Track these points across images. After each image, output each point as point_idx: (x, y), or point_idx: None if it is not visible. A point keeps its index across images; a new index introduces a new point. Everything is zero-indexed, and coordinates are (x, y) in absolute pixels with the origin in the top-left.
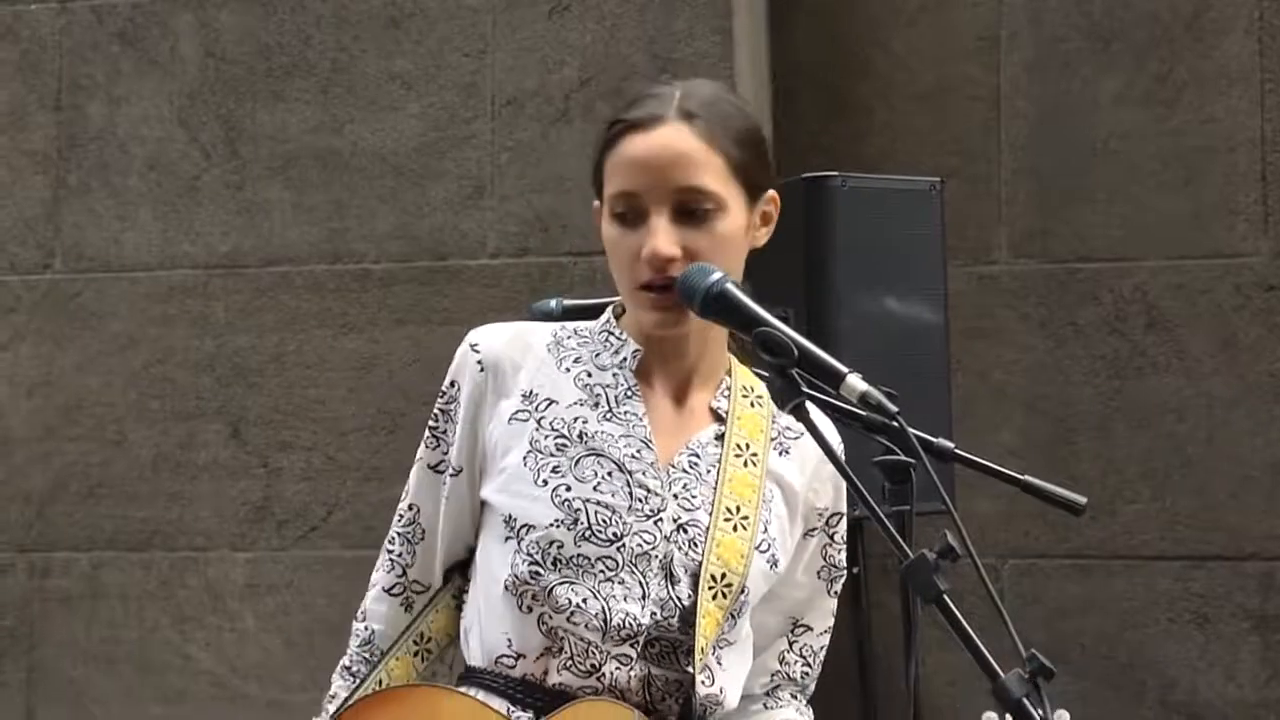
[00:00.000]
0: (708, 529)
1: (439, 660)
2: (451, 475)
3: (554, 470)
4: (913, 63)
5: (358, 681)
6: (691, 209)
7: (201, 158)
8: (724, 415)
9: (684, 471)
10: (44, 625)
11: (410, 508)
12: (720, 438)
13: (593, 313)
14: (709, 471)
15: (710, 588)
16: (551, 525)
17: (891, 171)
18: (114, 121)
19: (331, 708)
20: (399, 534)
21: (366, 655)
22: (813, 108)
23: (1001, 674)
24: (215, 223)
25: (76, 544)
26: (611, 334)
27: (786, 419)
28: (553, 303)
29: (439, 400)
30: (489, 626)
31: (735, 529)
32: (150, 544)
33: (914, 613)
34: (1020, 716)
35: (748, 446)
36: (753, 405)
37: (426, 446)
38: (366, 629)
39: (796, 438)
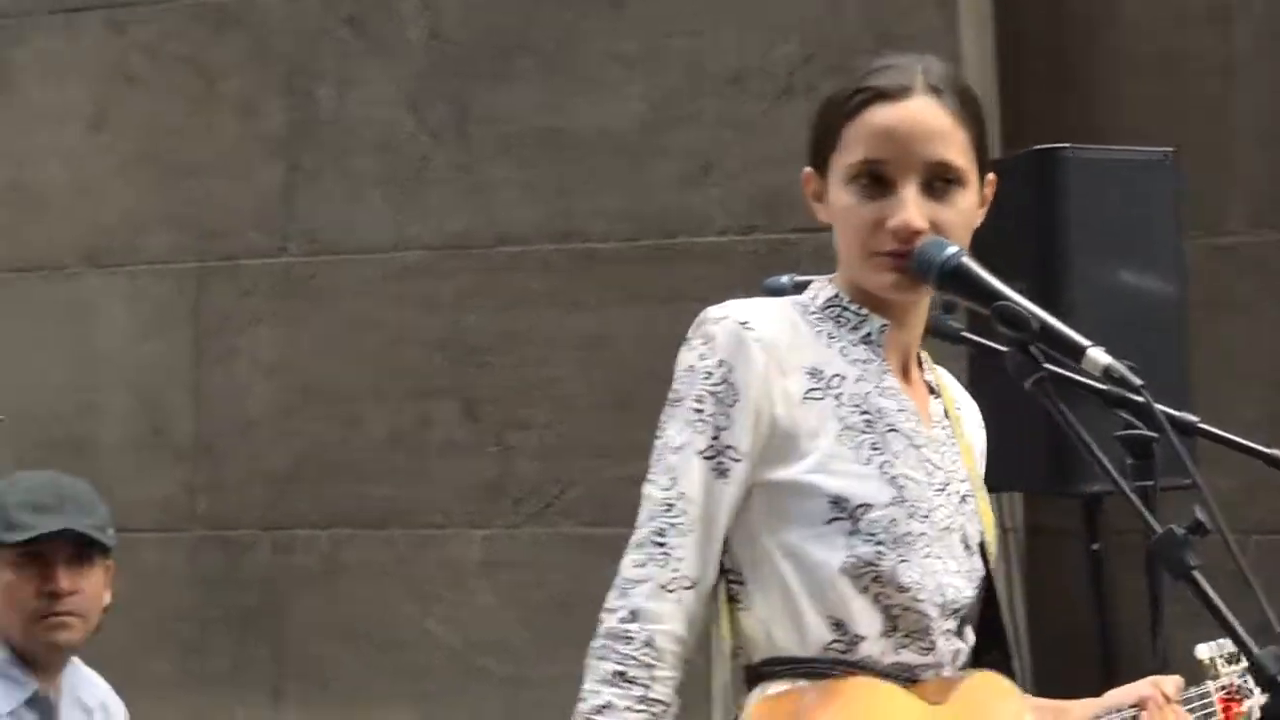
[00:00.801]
0: (975, 498)
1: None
2: (734, 461)
3: (873, 447)
4: (1142, 32)
5: (638, 690)
6: (938, 183)
7: (429, 140)
8: (935, 387)
9: (943, 443)
10: (288, 602)
11: (680, 497)
12: (945, 410)
13: None
14: (954, 442)
15: (991, 556)
16: (890, 504)
17: (1120, 143)
18: (343, 106)
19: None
20: (671, 525)
21: (648, 660)
22: (1039, 80)
23: (1256, 649)
24: (444, 204)
25: (316, 522)
26: (846, 309)
27: (955, 389)
28: (785, 279)
29: (702, 382)
30: (808, 613)
31: (983, 497)
32: (388, 522)
33: (1159, 589)
34: (1276, 691)
35: (958, 418)
36: (940, 377)
37: (694, 431)
38: (643, 630)
39: (959, 407)
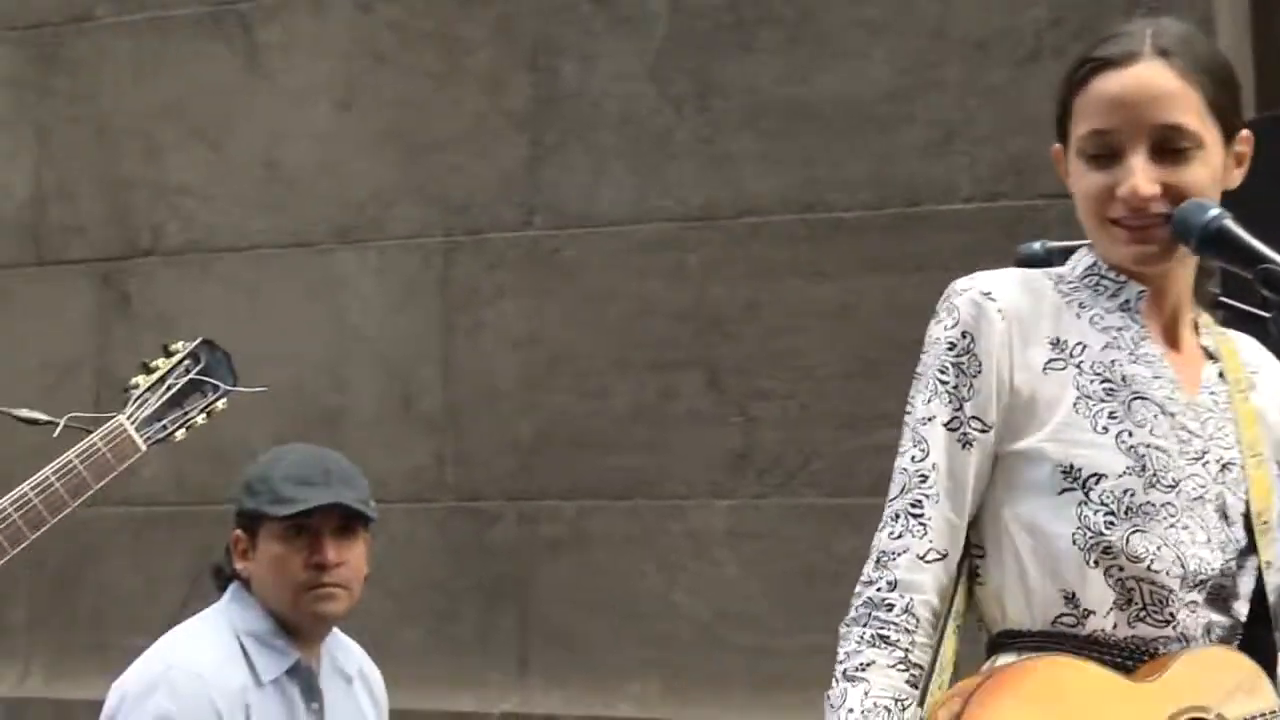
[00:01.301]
0: (1243, 467)
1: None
2: (980, 432)
3: (1110, 416)
4: None
5: (899, 653)
6: (1169, 147)
7: (673, 112)
8: (1213, 352)
9: (1209, 410)
10: (534, 572)
11: (932, 468)
12: (1221, 375)
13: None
14: (1225, 409)
15: (1263, 526)
16: (1125, 473)
17: None
18: (587, 80)
19: (874, 677)
20: (925, 497)
21: (908, 626)
22: None
23: None
24: (688, 176)
25: (562, 493)
26: (1104, 277)
27: (1250, 354)
28: (1037, 245)
29: (945, 353)
30: (1038, 585)
31: (1259, 465)
32: (633, 492)
33: None
34: None
35: (1239, 382)
36: (1226, 342)
37: (940, 403)
38: (902, 598)
39: (1255, 372)
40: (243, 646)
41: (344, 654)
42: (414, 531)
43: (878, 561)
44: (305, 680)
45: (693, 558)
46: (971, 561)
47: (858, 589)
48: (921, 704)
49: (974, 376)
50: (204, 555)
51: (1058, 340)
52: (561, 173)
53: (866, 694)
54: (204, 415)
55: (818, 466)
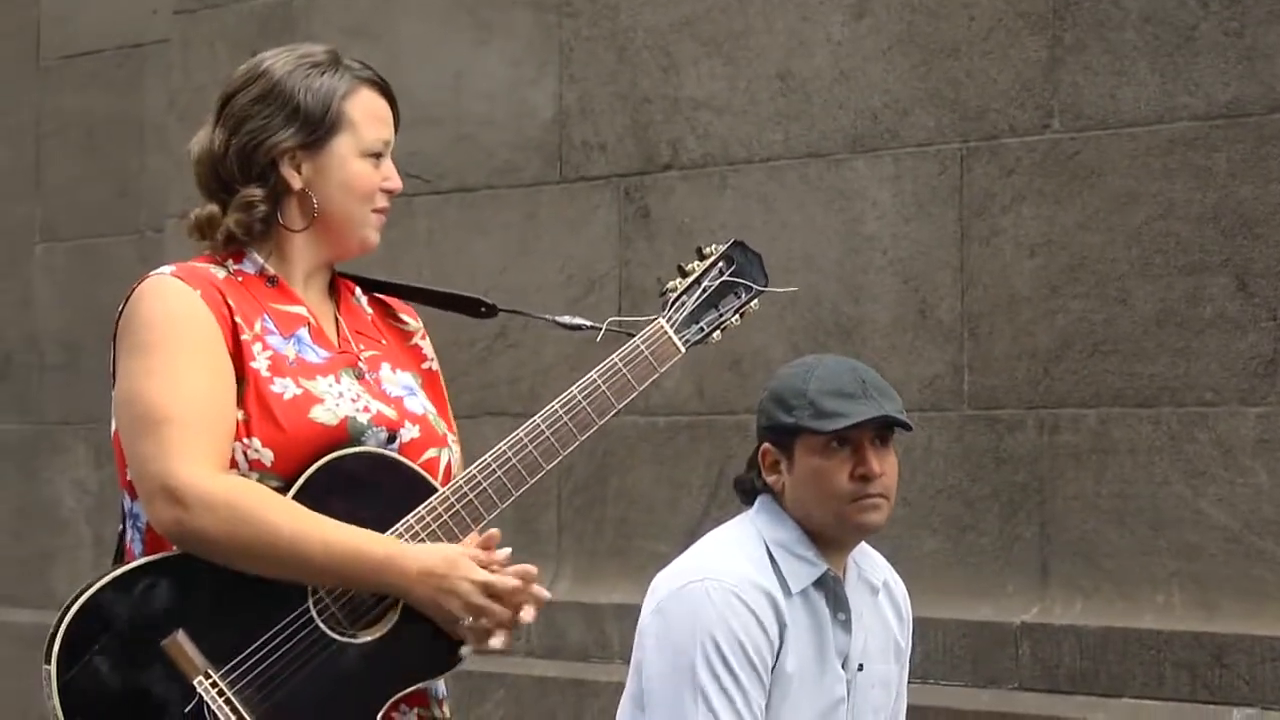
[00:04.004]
0: None
1: None
2: None
3: None
4: None
5: None
6: None
7: (1198, 6)
8: None
9: None
10: (1054, 481)
11: None
12: None
13: None
14: None
15: None
16: None
17: None
18: None
19: None
20: None
21: None
22: None
23: None
24: (1214, 72)
25: (1084, 401)
26: None
27: None
28: None
29: None
30: None
31: None
32: (1158, 400)
33: None
34: None
35: None
36: None
37: None
38: None
39: None
40: (772, 557)
41: (869, 564)
42: (931, 440)
43: None
44: (832, 591)
45: (1221, 466)
46: None
47: None
48: None
49: None
50: (722, 465)
51: None
52: (1081, 73)
53: None
54: (738, 316)
55: None
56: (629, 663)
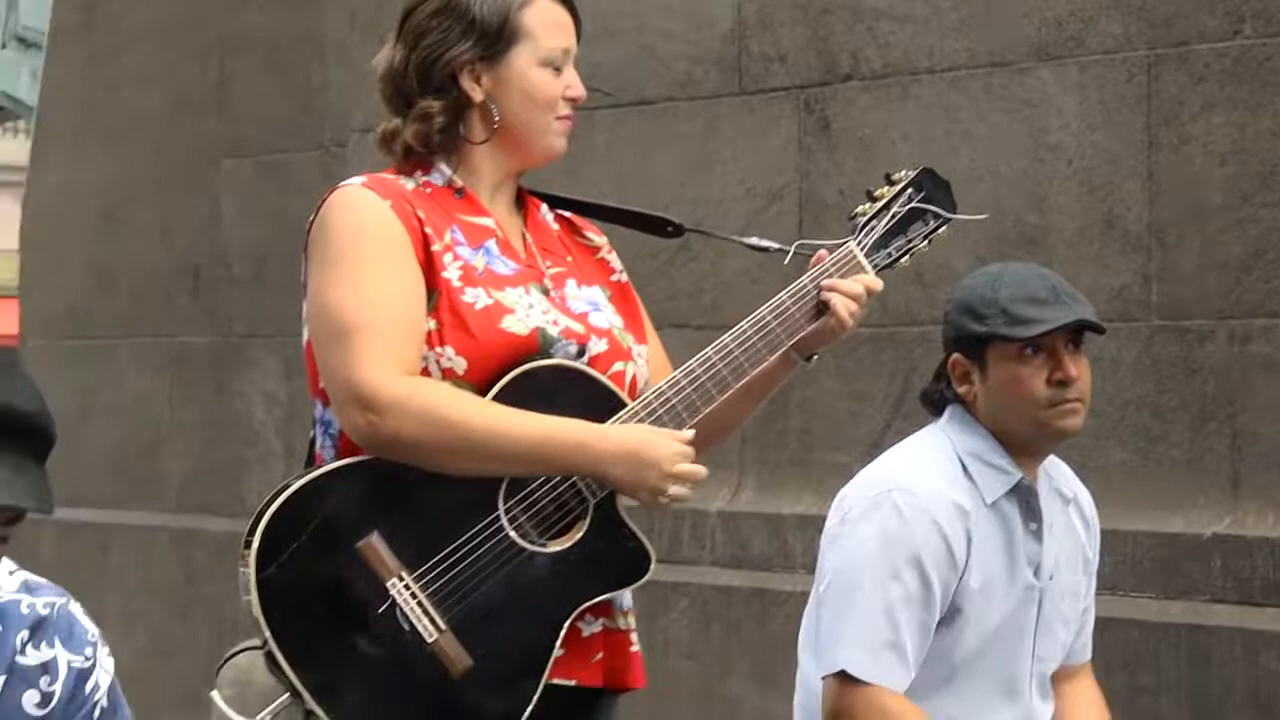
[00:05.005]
0: None
1: None
2: None
3: None
4: None
5: None
6: None
7: None
8: None
9: None
10: (1245, 391)
11: None
12: None
13: None
14: None
15: None
16: None
17: None
18: None
19: None
20: None
21: None
22: None
23: None
24: None
25: (1275, 310)
26: None
27: None
28: None
29: None
30: None
31: None
32: None
33: None
34: None
35: None
36: None
37: None
38: None
39: None
40: (965, 467)
41: (1060, 475)
42: (1119, 351)
43: None
44: (1025, 500)
45: None
46: None
47: None
48: None
49: None
50: (906, 376)
51: None
52: None
53: None
54: (926, 243)
55: None
56: (811, 573)
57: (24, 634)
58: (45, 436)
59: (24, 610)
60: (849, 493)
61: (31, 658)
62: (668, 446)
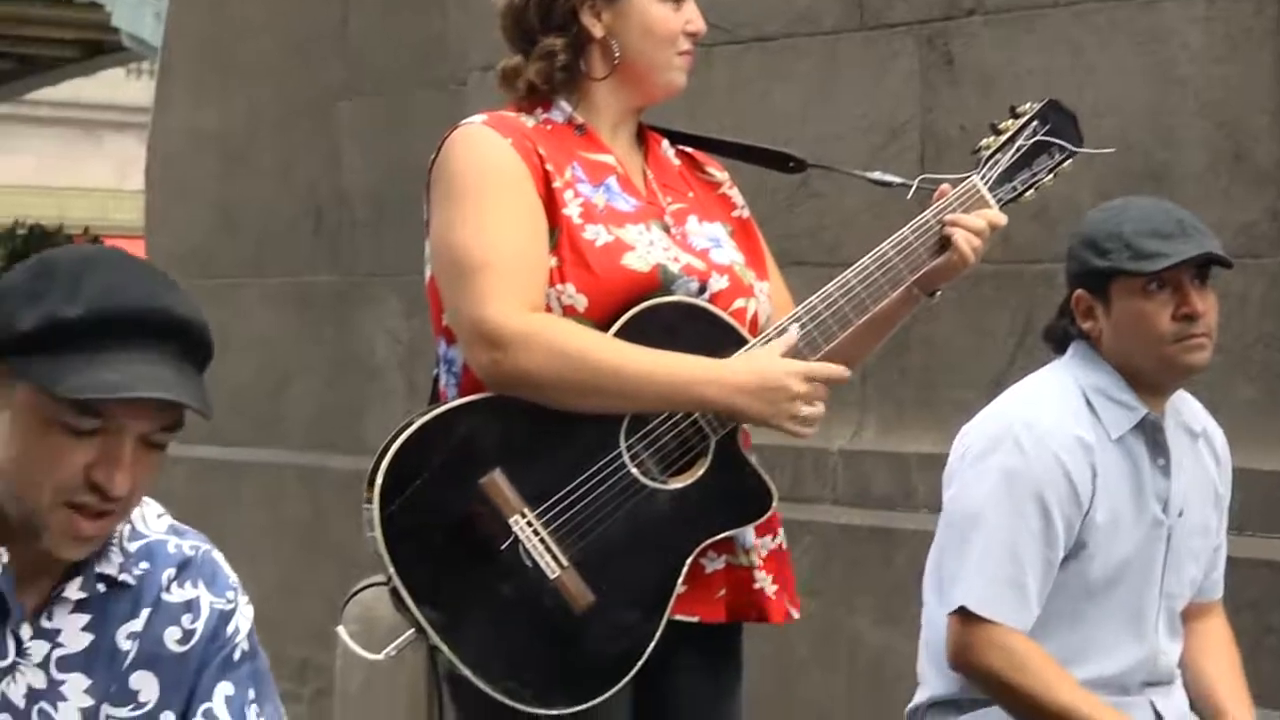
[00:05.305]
0: None
1: None
2: None
3: None
4: None
5: None
6: None
7: None
8: None
9: None
10: None
11: None
12: None
13: None
14: None
15: None
16: None
17: None
18: None
19: None
20: None
21: None
22: None
23: None
24: None
25: None
26: None
27: None
28: None
29: None
30: None
31: None
32: None
33: None
34: None
35: None
36: None
37: None
38: None
39: None
40: (1089, 403)
41: (1188, 410)
42: (1246, 288)
43: None
44: (1152, 436)
45: None
46: None
47: None
48: None
49: None
50: (1029, 313)
51: None
52: None
53: None
54: (1051, 176)
55: None
56: (934, 512)
57: (170, 571)
58: (205, 345)
59: (171, 550)
60: (970, 430)
61: (176, 595)
62: (791, 369)
